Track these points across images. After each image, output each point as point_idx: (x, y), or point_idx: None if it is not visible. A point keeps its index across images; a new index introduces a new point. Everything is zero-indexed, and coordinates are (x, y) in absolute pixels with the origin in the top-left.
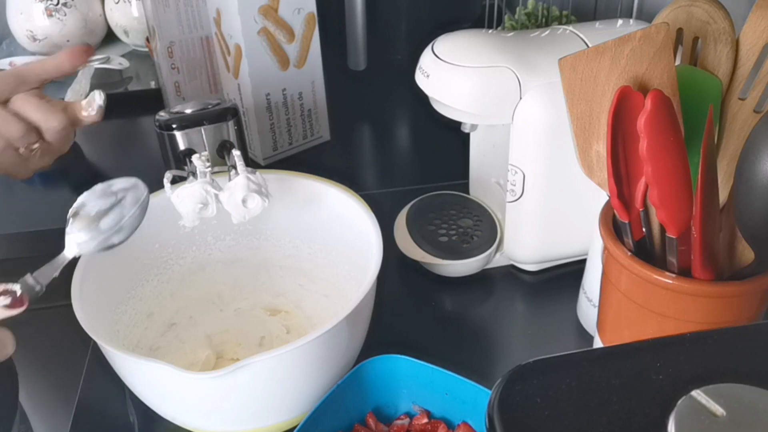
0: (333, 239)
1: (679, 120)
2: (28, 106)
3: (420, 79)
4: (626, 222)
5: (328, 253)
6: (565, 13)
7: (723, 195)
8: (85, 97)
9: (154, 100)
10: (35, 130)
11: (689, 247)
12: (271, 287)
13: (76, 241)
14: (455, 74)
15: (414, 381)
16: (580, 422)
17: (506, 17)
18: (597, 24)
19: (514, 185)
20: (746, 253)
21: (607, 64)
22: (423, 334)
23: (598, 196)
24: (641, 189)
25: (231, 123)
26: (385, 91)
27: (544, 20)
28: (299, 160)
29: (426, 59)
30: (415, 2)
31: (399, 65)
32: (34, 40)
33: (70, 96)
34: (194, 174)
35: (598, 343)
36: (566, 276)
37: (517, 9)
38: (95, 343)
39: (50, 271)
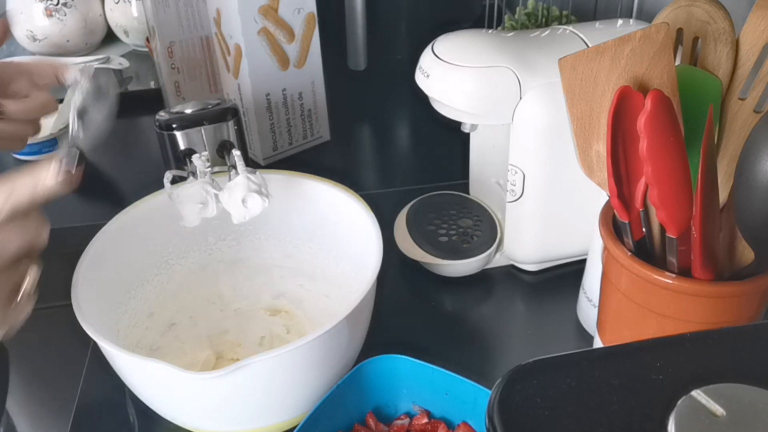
0: (333, 239)
1: (679, 120)
2: None
3: (420, 79)
4: (626, 222)
5: (328, 253)
6: (565, 13)
7: (723, 195)
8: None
9: (154, 100)
10: None
11: (689, 247)
12: (271, 287)
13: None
14: (455, 74)
15: (414, 381)
16: (580, 422)
17: (506, 17)
18: (597, 24)
19: (514, 185)
20: (746, 253)
21: (607, 64)
22: (423, 334)
23: (598, 196)
24: (641, 189)
25: (231, 123)
26: (385, 91)
27: (544, 20)
28: (299, 160)
29: (426, 59)
30: (415, 2)
31: (399, 65)
32: (34, 40)
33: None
34: (194, 174)
35: (598, 343)
36: (566, 276)
37: (517, 9)
38: (95, 343)
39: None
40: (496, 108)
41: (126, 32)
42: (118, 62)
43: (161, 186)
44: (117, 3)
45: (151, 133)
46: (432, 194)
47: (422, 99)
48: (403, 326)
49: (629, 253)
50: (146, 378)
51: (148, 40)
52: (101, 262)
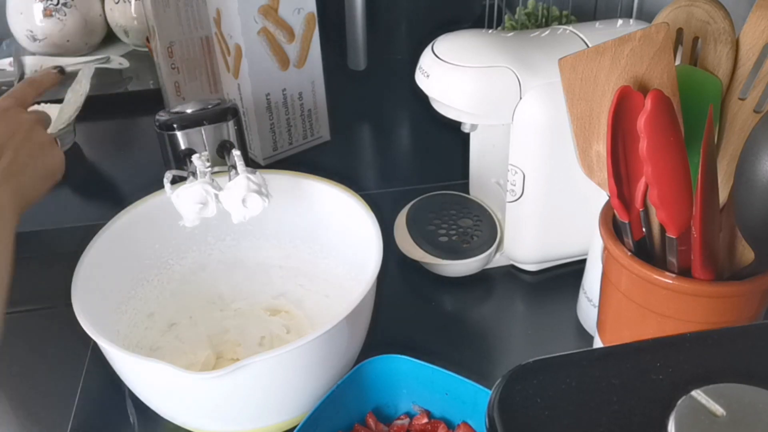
0: (333, 239)
1: (679, 120)
2: None
3: (420, 79)
4: (626, 222)
5: (328, 253)
6: (565, 13)
7: (723, 195)
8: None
9: (154, 100)
10: None
11: (689, 247)
12: (271, 287)
13: None
14: (455, 74)
15: (414, 381)
16: (580, 422)
17: (506, 17)
18: (597, 24)
19: (514, 185)
20: (746, 253)
21: (607, 64)
22: (423, 334)
23: (598, 196)
24: (641, 189)
25: (231, 123)
26: (385, 91)
27: (544, 20)
28: (299, 160)
29: (426, 59)
30: (415, 2)
31: (399, 65)
32: (34, 40)
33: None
34: (194, 174)
35: (598, 343)
36: (566, 276)
37: (517, 9)
38: (95, 343)
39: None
40: (496, 108)
41: (126, 32)
42: (118, 62)
43: (161, 186)
44: (117, 3)
45: (151, 133)
46: (432, 194)
47: (422, 99)
48: (403, 326)
49: (629, 253)
50: (146, 378)
51: (148, 40)
52: (101, 262)
